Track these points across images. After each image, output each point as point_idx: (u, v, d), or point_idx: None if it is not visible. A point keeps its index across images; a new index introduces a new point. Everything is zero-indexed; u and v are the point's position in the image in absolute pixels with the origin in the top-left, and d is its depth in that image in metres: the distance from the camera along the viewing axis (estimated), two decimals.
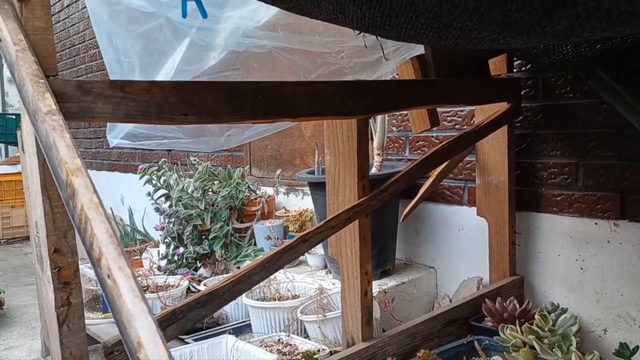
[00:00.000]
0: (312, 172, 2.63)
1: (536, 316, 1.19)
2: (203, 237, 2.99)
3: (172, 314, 1.36)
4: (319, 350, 1.98)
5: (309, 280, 2.51)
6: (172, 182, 3.10)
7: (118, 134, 2.26)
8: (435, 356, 1.54)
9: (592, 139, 2.02)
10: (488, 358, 1.81)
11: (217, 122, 2.05)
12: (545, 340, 1.16)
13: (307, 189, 3.26)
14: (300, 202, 3.26)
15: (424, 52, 1.83)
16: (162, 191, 3.13)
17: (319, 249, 2.65)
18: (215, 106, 1.30)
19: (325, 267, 2.69)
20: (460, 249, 2.49)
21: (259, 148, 3.56)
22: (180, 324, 1.37)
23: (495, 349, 1.88)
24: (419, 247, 2.67)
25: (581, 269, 2.09)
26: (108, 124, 2.34)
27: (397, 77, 1.97)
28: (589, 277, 2.06)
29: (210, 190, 3.03)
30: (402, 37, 1.06)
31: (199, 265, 3.00)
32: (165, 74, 2.00)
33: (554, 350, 1.13)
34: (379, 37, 1.73)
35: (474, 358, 1.86)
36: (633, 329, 1.90)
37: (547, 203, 2.17)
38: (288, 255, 1.54)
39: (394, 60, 1.96)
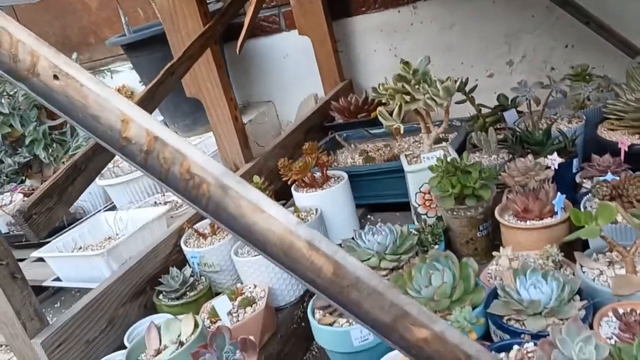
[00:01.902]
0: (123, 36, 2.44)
1: (400, 67, 1.40)
2: (17, 146, 2.64)
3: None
4: None
5: None
6: None
7: None
8: (316, 144, 1.71)
9: None
10: (351, 145, 2.08)
11: None
12: (412, 81, 1.40)
13: (116, 66, 3.03)
14: (111, 83, 3.03)
15: None
16: None
17: (158, 116, 2.57)
18: None
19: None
20: (290, 74, 2.64)
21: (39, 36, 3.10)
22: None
23: (353, 138, 2.16)
24: (252, 87, 2.75)
25: (395, 56, 2.41)
26: None
27: None
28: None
29: (4, 92, 2.62)
30: None
31: (23, 177, 2.69)
32: None
33: (421, 86, 1.38)
34: None
35: (338, 150, 2.10)
36: None
37: (356, 5, 2.39)
38: (161, 91, 1.50)
39: None
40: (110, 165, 2.33)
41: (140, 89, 2.80)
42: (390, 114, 1.47)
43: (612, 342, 0.86)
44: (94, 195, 2.41)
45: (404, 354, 0.70)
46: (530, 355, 0.80)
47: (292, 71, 2.62)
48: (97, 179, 2.23)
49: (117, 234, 1.87)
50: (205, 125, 2.32)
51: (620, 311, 0.88)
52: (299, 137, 2.12)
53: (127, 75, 2.98)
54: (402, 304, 0.67)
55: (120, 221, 1.89)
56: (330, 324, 1.07)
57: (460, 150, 1.74)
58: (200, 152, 0.76)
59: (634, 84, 1.45)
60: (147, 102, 1.46)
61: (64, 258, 1.70)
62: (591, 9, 1.98)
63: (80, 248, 1.82)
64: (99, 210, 2.16)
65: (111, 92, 0.75)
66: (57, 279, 1.77)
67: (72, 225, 2.07)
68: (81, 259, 1.65)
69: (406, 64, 1.42)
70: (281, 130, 2.71)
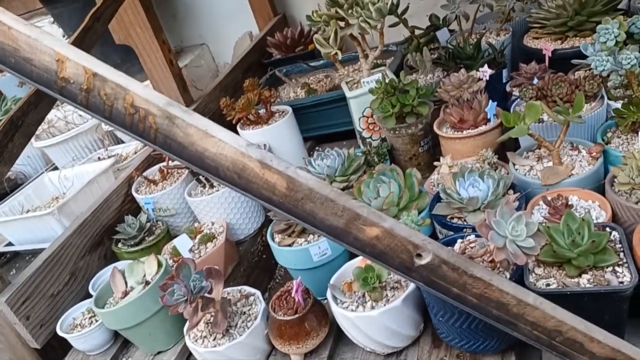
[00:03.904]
0: None
1: None
2: None
3: None
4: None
5: None
6: None
7: None
8: (257, 80, 1.71)
9: None
10: (292, 80, 2.08)
11: None
12: (345, 6, 1.41)
13: (34, 22, 2.85)
14: None
15: None
16: None
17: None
18: None
19: None
20: (221, 13, 2.57)
21: None
22: None
23: (292, 72, 2.16)
24: (182, 30, 2.67)
25: None
26: None
27: None
28: None
29: None
30: None
31: None
32: None
33: (354, 10, 1.39)
34: None
35: (279, 86, 2.10)
36: None
37: None
38: (89, 38, 1.44)
39: None
40: (45, 126, 2.25)
41: None
42: (327, 40, 1.48)
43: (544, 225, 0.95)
44: (33, 159, 2.33)
45: (359, 253, 0.76)
46: (472, 245, 0.88)
47: (222, 10, 2.56)
48: (34, 141, 2.15)
49: (63, 193, 1.84)
50: (140, 74, 2.25)
51: (549, 198, 0.97)
52: (238, 76, 2.10)
53: (48, 30, 2.81)
54: (353, 208, 0.73)
55: (65, 179, 1.86)
56: (290, 245, 1.13)
57: (397, 73, 1.78)
58: (142, 85, 0.76)
59: None
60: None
61: (14, 221, 1.66)
62: None
63: (29, 211, 1.79)
64: (42, 172, 2.10)
65: (41, 32, 0.73)
66: (10, 244, 1.74)
67: (16, 190, 2.01)
68: (32, 220, 1.62)
69: None
70: (218, 72, 2.67)
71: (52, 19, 2.67)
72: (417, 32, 1.85)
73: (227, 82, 2.03)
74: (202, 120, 0.75)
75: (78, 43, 1.43)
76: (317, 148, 1.88)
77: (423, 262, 0.71)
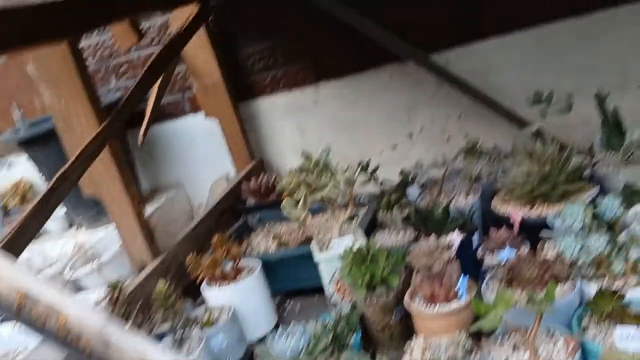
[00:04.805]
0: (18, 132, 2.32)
1: (301, 160, 1.43)
2: None
3: None
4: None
5: (61, 242, 2.31)
6: None
7: None
8: (226, 236, 1.68)
9: (279, 21, 2.31)
10: (265, 228, 2.06)
11: None
12: (315, 173, 1.41)
13: (10, 159, 2.85)
14: (8, 175, 2.84)
15: None
16: None
17: (59, 210, 2.43)
18: None
19: (72, 225, 2.49)
20: (199, 156, 2.61)
21: None
22: None
23: (266, 219, 2.14)
24: (160, 171, 2.69)
25: (302, 133, 2.46)
26: None
27: None
28: (311, 137, 2.45)
29: None
30: None
31: None
32: None
33: (323, 177, 1.40)
34: None
35: (252, 233, 2.07)
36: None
37: (260, 87, 2.44)
38: (55, 200, 1.41)
39: None
40: None
41: (40, 182, 2.64)
42: (297, 203, 1.48)
43: None
44: None
45: None
46: None
47: (201, 153, 2.60)
48: None
49: None
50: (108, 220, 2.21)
51: None
52: (211, 223, 2.07)
53: (25, 167, 2.81)
54: None
55: None
56: None
57: (370, 228, 1.77)
58: (79, 304, 0.71)
59: (519, 157, 1.56)
60: (39, 214, 1.37)
61: None
62: (476, 83, 2.14)
63: None
64: None
65: None
66: None
67: None
68: None
69: (307, 156, 1.45)
70: (193, 214, 2.65)
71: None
72: (389, 185, 1.87)
73: (198, 231, 1.99)
74: (140, 344, 0.69)
75: (42, 204, 1.40)
76: (287, 303, 1.80)
77: None
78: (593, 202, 1.34)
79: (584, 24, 2.05)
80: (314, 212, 1.87)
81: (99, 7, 1.64)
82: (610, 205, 1.21)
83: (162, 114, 2.56)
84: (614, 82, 2.07)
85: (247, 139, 2.46)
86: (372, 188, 1.96)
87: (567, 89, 2.08)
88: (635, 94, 2.05)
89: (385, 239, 1.65)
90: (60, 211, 2.46)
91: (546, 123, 1.73)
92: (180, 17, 2.24)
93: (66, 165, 1.50)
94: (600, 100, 1.74)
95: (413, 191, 1.77)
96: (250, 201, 2.22)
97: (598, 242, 1.06)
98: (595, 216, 1.22)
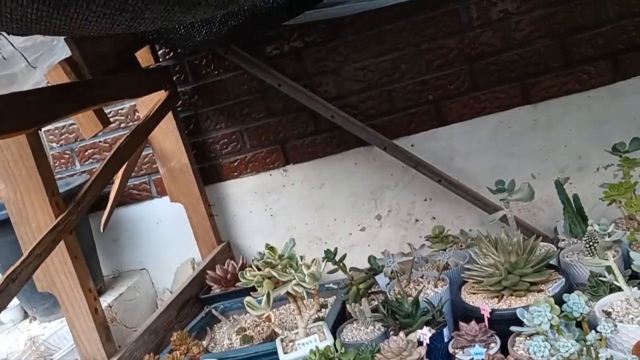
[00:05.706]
0: None
1: (265, 252, 1.38)
2: None
3: None
4: None
5: (13, 337, 2.16)
6: None
7: None
8: (186, 334, 1.59)
9: (245, 106, 2.34)
10: (230, 318, 1.97)
11: None
12: (279, 267, 1.37)
13: None
14: None
15: (70, 55, 1.76)
16: None
17: (13, 301, 2.29)
18: None
19: (27, 316, 2.35)
20: (163, 240, 2.54)
21: None
22: None
23: (231, 309, 2.06)
24: (123, 255, 2.59)
25: (271, 215, 2.43)
26: None
27: (50, 84, 1.84)
28: (279, 219, 2.42)
29: None
30: (73, 29, 1.05)
31: None
32: None
33: (287, 271, 1.35)
34: (16, 47, 1.60)
35: (216, 325, 1.98)
36: (322, 246, 2.34)
37: (227, 171, 2.42)
38: (6, 296, 1.32)
39: (40, 68, 1.82)
40: None
41: None
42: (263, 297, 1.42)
43: None
44: None
45: None
46: None
47: (166, 237, 2.53)
48: None
49: None
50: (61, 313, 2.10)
51: None
52: (172, 315, 1.97)
53: None
54: None
55: None
56: None
57: (339, 320, 1.71)
58: None
59: (485, 248, 1.55)
60: None
61: None
62: (441, 167, 2.17)
63: None
64: None
65: None
66: None
67: None
68: None
69: (271, 249, 1.41)
70: (157, 299, 2.54)
71: None
72: (357, 273, 1.83)
73: (159, 324, 1.90)
74: None
75: None
76: None
77: None
78: (561, 295, 1.33)
79: (538, 110, 2.13)
80: (281, 300, 1.81)
81: (65, 99, 1.64)
82: (577, 302, 1.20)
83: (127, 197, 2.51)
84: (573, 165, 2.14)
85: (213, 223, 2.41)
86: (341, 274, 1.93)
87: (529, 172, 2.15)
88: (593, 176, 2.11)
89: (354, 333, 1.59)
90: (14, 302, 2.33)
91: (511, 207, 1.75)
92: (148, 102, 2.25)
93: (17, 263, 1.42)
94: (559, 186, 1.77)
95: (382, 279, 1.73)
96: (215, 290, 2.14)
97: (567, 345, 1.03)
98: (562, 312, 1.20)
